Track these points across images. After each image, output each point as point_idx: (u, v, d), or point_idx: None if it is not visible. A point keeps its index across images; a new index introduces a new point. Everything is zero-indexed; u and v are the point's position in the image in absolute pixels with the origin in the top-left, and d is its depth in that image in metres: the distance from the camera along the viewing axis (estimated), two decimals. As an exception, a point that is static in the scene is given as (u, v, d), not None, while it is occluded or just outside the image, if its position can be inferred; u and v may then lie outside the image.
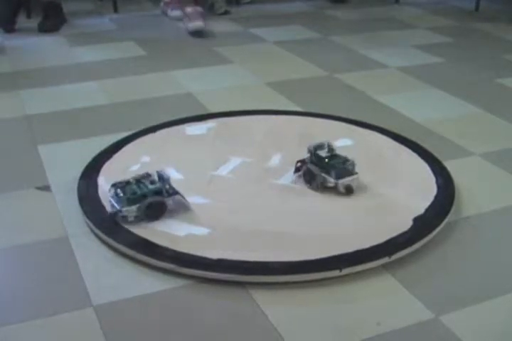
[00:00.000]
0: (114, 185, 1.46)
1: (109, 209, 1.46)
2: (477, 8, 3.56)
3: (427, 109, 2.14)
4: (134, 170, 1.66)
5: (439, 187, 1.56)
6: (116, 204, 1.43)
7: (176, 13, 3.34)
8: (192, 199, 1.52)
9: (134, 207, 1.40)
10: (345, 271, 1.26)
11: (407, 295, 1.22)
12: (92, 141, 1.87)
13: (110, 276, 1.28)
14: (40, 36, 3.04)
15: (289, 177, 1.61)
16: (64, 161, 1.76)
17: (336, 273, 1.26)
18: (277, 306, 1.19)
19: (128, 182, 1.46)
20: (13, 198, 1.58)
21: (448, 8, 3.65)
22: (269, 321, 1.15)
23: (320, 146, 1.58)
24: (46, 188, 1.62)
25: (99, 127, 1.98)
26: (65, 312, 1.17)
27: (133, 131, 1.89)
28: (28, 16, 3.34)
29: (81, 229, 1.43)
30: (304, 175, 1.57)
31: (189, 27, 3.03)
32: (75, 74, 2.49)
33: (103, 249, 1.36)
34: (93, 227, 1.41)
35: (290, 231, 1.39)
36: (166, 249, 1.31)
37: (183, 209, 1.47)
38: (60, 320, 1.16)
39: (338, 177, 1.52)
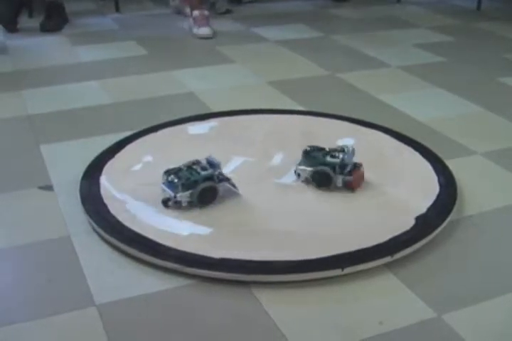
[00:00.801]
0: (167, 172, 1.49)
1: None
2: (479, 7, 3.56)
3: (429, 108, 2.14)
4: (137, 169, 1.67)
5: (441, 186, 1.56)
6: (169, 191, 1.46)
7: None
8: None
9: (187, 193, 1.44)
10: (348, 270, 1.27)
11: (409, 294, 1.22)
12: (94, 140, 1.87)
13: (113, 275, 1.28)
14: (42, 36, 3.04)
15: (291, 176, 1.61)
16: (66, 161, 1.76)
17: (338, 272, 1.26)
18: (280, 305, 1.20)
19: (180, 169, 1.49)
20: (16, 198, 1.58)
21: (450, 7, 3.65)
22: (271, 320, 1.15)
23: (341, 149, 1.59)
24: (48, 188, 1.62)
25: (102, 127, 1.98)
26: (68, 312, 1.18)
27: (135, 131, 1.89)
28: (30, 16, 3.34)
29: (83, 229, 1.44)
30: None
31: (198, 34, 3.01)
32: (77, 74, 2.49)
33: (105, 248, 1.37)
34: (95, 226, 1.41)
35: (292, 230, 1.39)
36: (169, 249, 1.31)
37: (233, 195, 1.50)
38: (62, 320, 1.16)
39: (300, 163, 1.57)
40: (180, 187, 1.44)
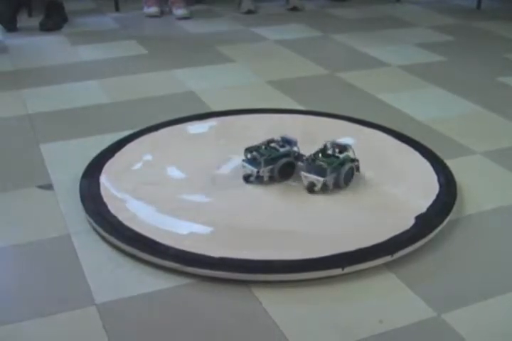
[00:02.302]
0: (248, 149, 1.58)
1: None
2: (479, 7, 3.56)
3: (429, 107, 2.14)
4: (136, 168, 1.66)
5: (441, 185, 1.56)
6: (251, 167, 1.55)
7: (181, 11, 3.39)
8: (194, 197, 1.53)
9: (268, 168, 1.55)
10: (348, 269, 1.27)
11: (409, 294, 1.22)
12: (93, 139, 1.87)
13: (112, 275, 1.28)
14: (41, 35, 3.04)
15: (290, 175, 1.61)
16: (66, 160, 1.76)
17: (338, 271, 1.26)
18: (280, 305, 1.20)
19: (259, 147, 1.59)
20: (16, 197, 1.58)
21: (449, 6, 3.65)
22: (271, 319, 1.15)
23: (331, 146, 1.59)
24: (48, 187, 1.62)
25: (101, 126, 1.98)
26: (68, 311, 1.18)
27: (135, 130, 1.89)
28: (30, 15, 3.34)
29: (83, 228, 1.44)
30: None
31: (146, 12, 3.39)
32: (77, 73, 2.49)
33: (105, 247, 1.37)
34: (95, 226, 1.41)
35: (292, 229, 1.39)
36: (169, 248, 1.31)
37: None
38: (62, 319, 1.16)
39: (309, 171, 1.54)
40: (262, 163, 1.53)
